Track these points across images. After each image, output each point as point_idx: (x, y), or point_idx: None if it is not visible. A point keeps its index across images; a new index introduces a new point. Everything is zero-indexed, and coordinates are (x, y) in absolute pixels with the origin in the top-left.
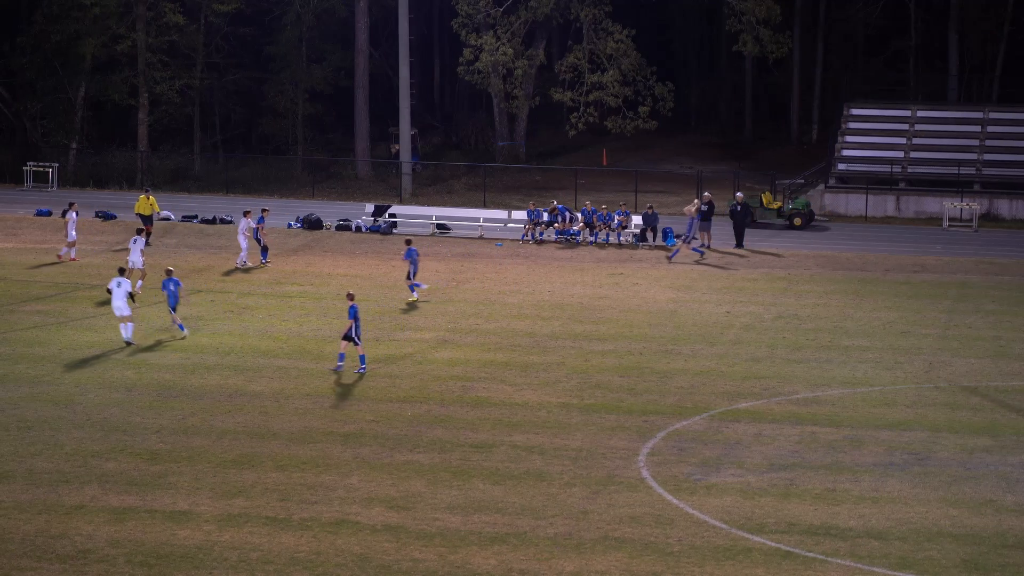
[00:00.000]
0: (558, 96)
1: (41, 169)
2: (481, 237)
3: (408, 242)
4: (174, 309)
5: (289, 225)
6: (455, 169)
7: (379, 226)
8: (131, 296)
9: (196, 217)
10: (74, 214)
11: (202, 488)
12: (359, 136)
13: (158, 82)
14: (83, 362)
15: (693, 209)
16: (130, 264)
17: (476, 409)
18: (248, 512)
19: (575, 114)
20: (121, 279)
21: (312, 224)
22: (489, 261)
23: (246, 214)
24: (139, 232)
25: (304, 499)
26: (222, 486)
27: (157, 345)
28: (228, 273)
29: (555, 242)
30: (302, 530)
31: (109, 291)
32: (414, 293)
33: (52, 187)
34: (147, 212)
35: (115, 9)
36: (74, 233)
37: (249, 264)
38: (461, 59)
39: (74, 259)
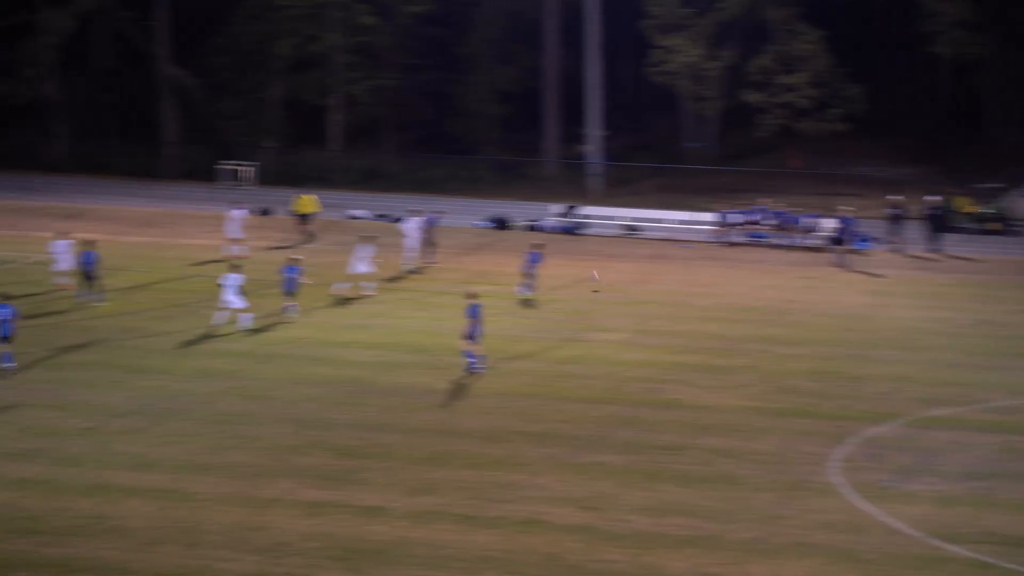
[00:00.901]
0: (748, 97)
1: (237, 168)
2: (670, 239)
3: (539, 246)
4: (291, 294)
5: (477, 225)
6: (643, 170)
7: (567, 226)
8: (237, 289)
9: (387, 216)
10: (239, 212)
11: (394, 484)
12: (547, 136)
13: (350, 82)
14: (278, 357)
15: None
16: (354, 270)
17: (666, 411)
18: (440, 509)
19: (765, 116)
20: (230, 275)
21: (500, 224)
22: (678, 263)
23: (416, 214)
24: (364, 238)
25: (495, 497)
26: (414, 483)
27: (270, 327)
28: (412, 273)
29: (745, 244)
30: (493, 528)
31: (219, 285)
32: (523, 291)
33: (248, 186)
34: (306, 211)
35: (309, 10)
36: (238, 232)
37: (416, 265)
38: (650, 60)
39: (240, 255)
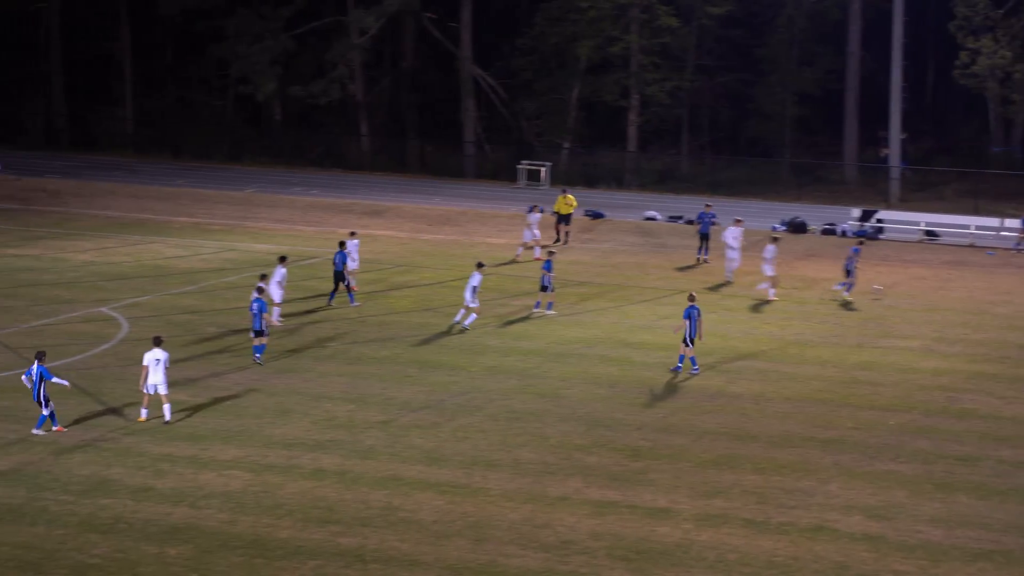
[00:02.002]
0: None
1: (535, 168)
2: (971, 245)
3: (860, 243)
4: (545, 289)
5: (774, 228)
6: (945, 175)
7: (865, 231)
8: (474, 289)
9: (681, 218)
10: (537, 215)
11: (681, 486)
12: (847, 139)
13: (649, 84)
14: (568, 357)
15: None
16: (767, 272)
17: (962, 421)
18: (726, 513)
19: None
20: (475, 273)
21: (796, 227)
22: (979, 270)
23: (737, 222)
24: (773, 240)
25: (782, 503)
26: (701, 485)
27: (525, 319)
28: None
29: None
30: (780, 534)
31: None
32: (839, 287)
33: (545, 185)
34: (565, 211)
35: (610, 12)
36: (537, 232)
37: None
38: (956, 62)
39: (538, 258)
